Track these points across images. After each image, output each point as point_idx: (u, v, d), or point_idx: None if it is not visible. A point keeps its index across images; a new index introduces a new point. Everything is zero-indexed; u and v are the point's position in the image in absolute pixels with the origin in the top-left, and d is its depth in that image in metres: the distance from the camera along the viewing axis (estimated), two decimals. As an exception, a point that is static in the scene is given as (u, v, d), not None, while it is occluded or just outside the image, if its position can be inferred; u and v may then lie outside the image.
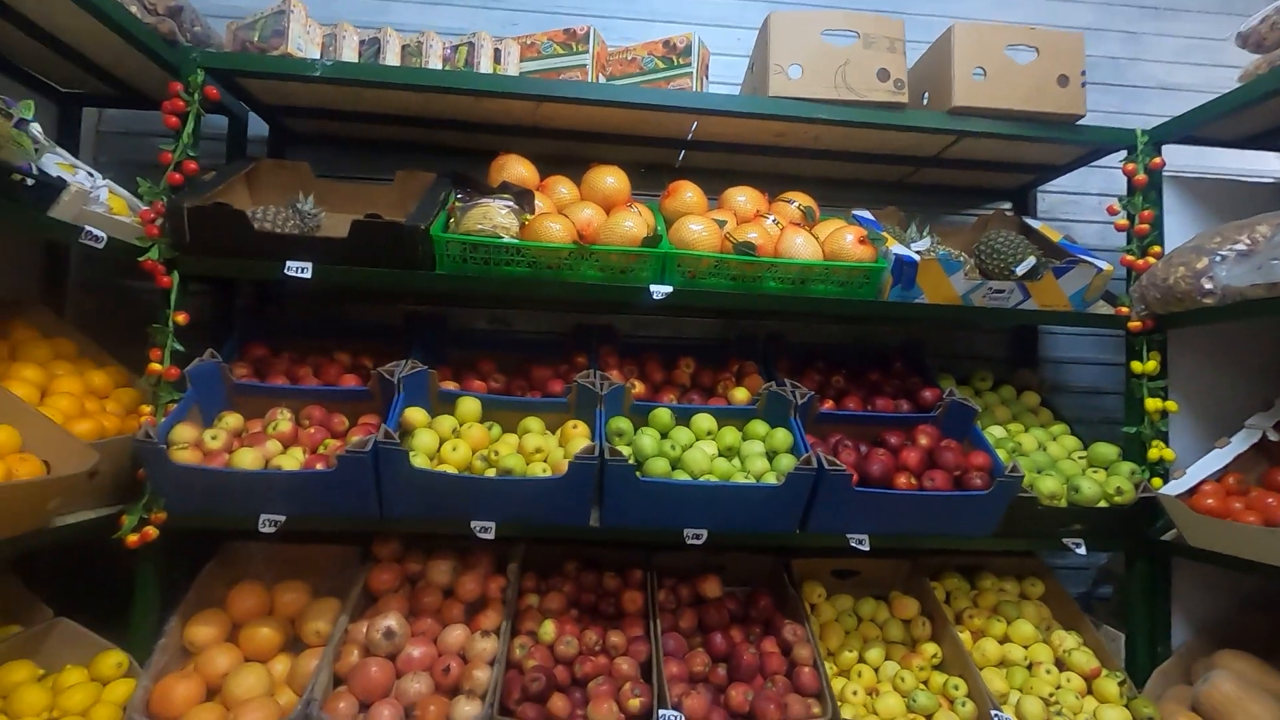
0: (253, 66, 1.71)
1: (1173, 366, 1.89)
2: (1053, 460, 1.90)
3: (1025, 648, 1.83)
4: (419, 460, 1.60)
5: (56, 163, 1.47)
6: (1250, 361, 1.94)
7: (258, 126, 2.14)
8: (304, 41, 1.76)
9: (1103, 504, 1.76)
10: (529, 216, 1.73)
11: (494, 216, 1.67)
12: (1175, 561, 1.87)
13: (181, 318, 1.65)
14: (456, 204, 1.74)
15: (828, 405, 1.96)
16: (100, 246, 1.47)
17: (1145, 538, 1.83)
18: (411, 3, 2.31)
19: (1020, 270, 1.85)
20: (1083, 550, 1.78)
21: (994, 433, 1.98)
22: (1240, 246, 1.61)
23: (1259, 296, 1.52)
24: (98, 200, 1.46)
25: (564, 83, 1.81)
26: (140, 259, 1.59)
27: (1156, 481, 1.79)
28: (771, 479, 1.70)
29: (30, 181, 1.25)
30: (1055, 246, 1.95)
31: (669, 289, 1.72)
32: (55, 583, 1.87)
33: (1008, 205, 2.45)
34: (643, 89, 1.86)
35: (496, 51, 1.85)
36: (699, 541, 1.69)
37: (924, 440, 1.81)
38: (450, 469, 1.64)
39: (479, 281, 1.71)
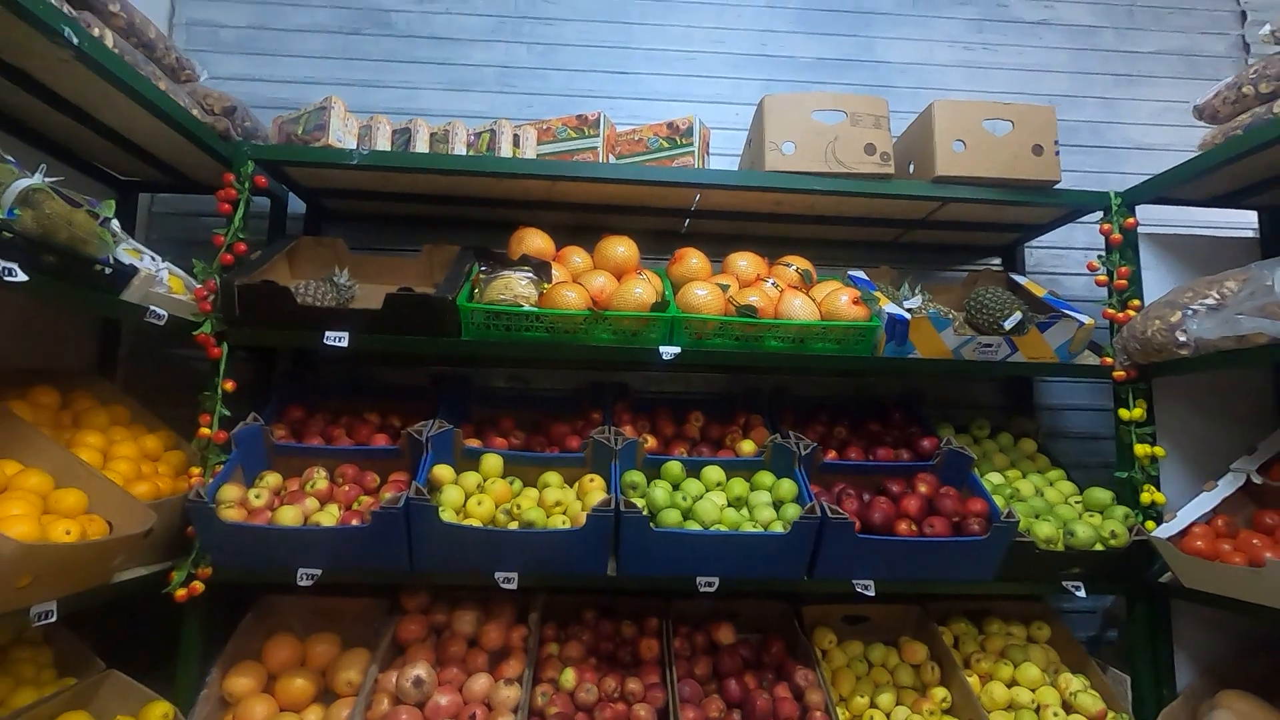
0: (298, 157, 1.90)
1: (1160, 413, 1.99)
2: (1049, 505, 1.98)
3: (1033, 691, 1.88)
4: (447, 515, 1.71)
5: (126, 249, 1.64)
6: (1234, 407, 2.04)
7: (296, 204, 2.34)
8: (343, 133, 1.95)
9: (1098, 547, 1.83)
10: (547, 285, 1.88)
11: (515, 287, 1.82)
12: (1176, 604, 1.92)
13: (230, 385, 1.79)
14: (480, 275, 1.90)
15: (831, 455, 2.05)
16: (162, 324, 1.63)
17: (1143, 580, 1.89)
18: (439, 90, 2.53)
19: (1008, 325, 1.97)
20: (1082, 593, 1.84)
21: (992, 479, 2.06)
22: (1210, 301, 1.72)
23: (1229, 348, 1.62)
24: (160, 282, 1.62)
25: (576, 163, 1.99)
26: (195, 333, 1.75)
27: (1150, 524, 1.86)
28: (778, 527, 1.79)
29: (108, 270, 1.42)
30: (1040, 301, 2.07)
31: (677, 350, 1.85)
32: (104, 635, 1.97)
33: (998, 261, 2.59)
34: (648, 167, 2.03)
35: (516, 136, 2.04)
36: (711, 589, 1.77)
37: (923, 488, 1.91)
38: (476, 523, 1.75)
39: (502, 346, 1.85)
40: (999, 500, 1.89)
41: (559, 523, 1.76)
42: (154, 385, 2.18)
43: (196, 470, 1.76)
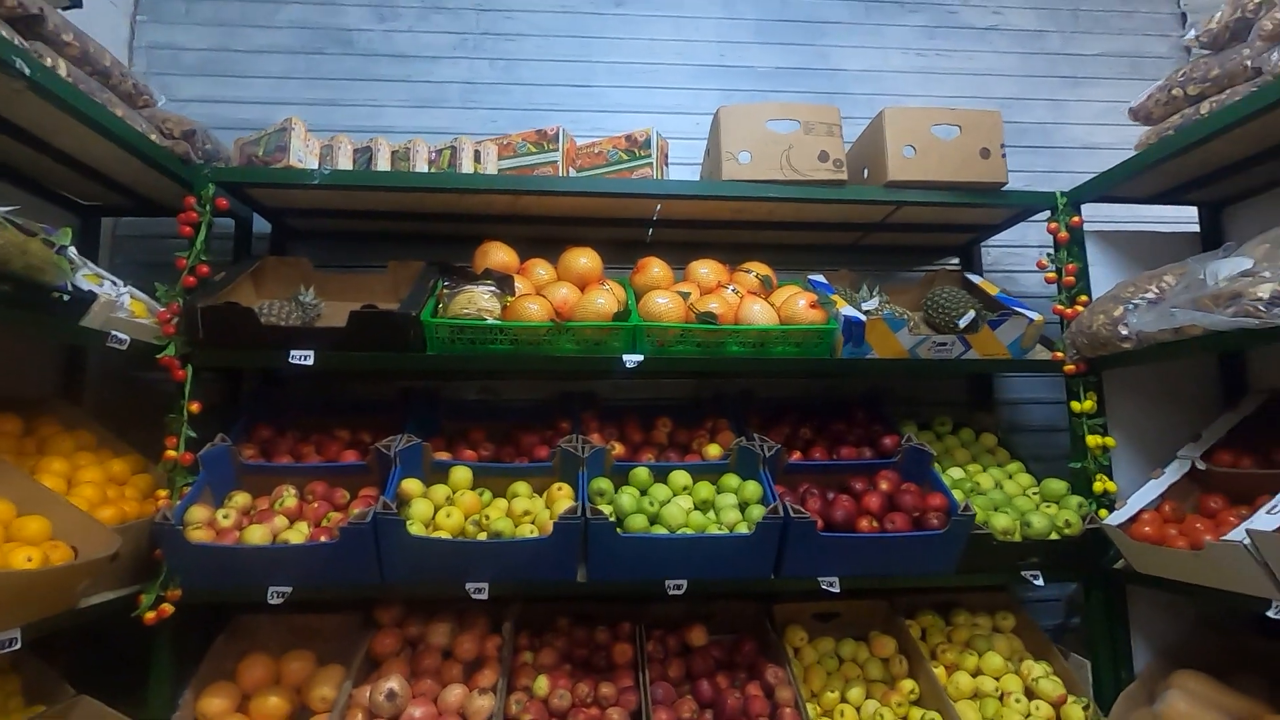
0: (259, 179, 1.92)
1: (1111, 404, 2.05)
2: (1008, 497, 2.04)
3: (996, 679, 1.93)
4: (415, 528, 1.73)
5: (85, 275, 1.64)
6: (1181, 396, 2.11)
7: (261, 225, 2.35)
8: (304, 154, 1.97)
9: (1054, 536, 1.89)
10: (510, 298, 1.91)
11: (478, 301, 1.85)
12: (1131, 589, 1.98)
13: (195, 407, 1.80)
14: (444, 291, 1.92)
15: (796, 456, 2.10)
16: (123, 348, 1.64)
17: (1099, 567, 1.95)
18: (402, 108, 2.56)
19: (962, 324, 2.03)
20: (1040, 581, 1.90)
21: (953, 474, 2.12)
22: (1150, 295, 1.79)
23: (1168, 340, 1.69)
24: (121, 307, 1.63)
25: (536, 178, 2.02)
26: (159, 356, 1.75)
27: (1103, 513, 1.92)
28: (744, 529, 1.83)
29: (66, 297, 1.43)
30: (993, 300, 2.13)
31: (640, 357, 1.88)
32: (74, 660, 1.96)
33: (956, 260, 2.65)
34: (607, 179, 2.07)
35: (477, 152, 2.07)
36: (679, 592, 1.81)
37: (884, 485, 1.95)
38: (445, 534, 1.77)
39: (468, 360, 1.88)
40: (958, 494, 1.94)
41: (527, 532, 1.79)
42: (123, 409, 2.17)
43: (163, 493, 1.77)
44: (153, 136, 1.79)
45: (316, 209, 2.19)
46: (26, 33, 1.46)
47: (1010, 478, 2.15)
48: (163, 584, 1.70)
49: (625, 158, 2.11)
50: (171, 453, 1.77)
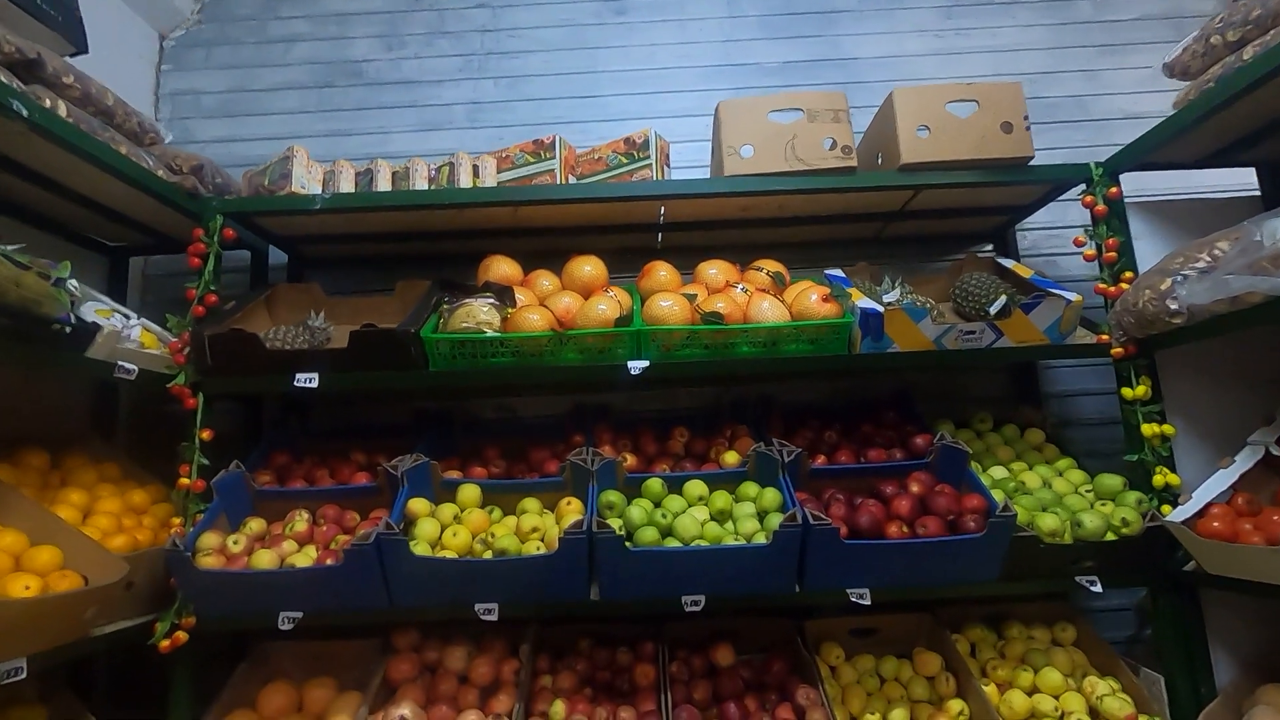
0: (262, 207, 1.95)
1: (1167, 389, 1.86)
2: (1058, 496, 1.87)
3: (1056, 698, 1.75)
4: (419, 548, 1.69)
5: (96, 309, 1.69)
6: (1248, 374, 1.89)
7: (278, 256, 2.40)
8: (307, 180, 2.00)
9: (1110, 537, 1.71)
10: (510, 310, 1.88)
11: (477, 314, 1.82)
12: (1207, 594, 1.78)
13: (207, 434, 1.82)
14: (445, 307, 1.90)
15: (820, 461, 1.98)
16: (132, 378, 1.66)
17: (1166, 570, 1.76)
18: (409, 132, 2.59)
19: (992, 310, 1.89)
20: (1098, 588, 1.72)
21: (994, 474, 1.96)
22: (1201, 264, 1.62)
23: (1224, 311, 1.52)
24: (129, 338, 1.67)
25: (532, 187, 1.99)
26: (169, 385, 1.78)
27: (1166, 509, 1.73)
28: (761, 539, 1.72)
29: (68, 330, 1.46)
30: (1027, 283, 1.97)
31: (645, 363, 1.81)
32: (107, 691, 2.00)
33: (990, 247, 2.49)
34: (604, 184, 2.02)
35: (475, 167, 2.06)
36: (697, 608, 1.71)
37: (916, 487, 1.81)
38: (451, 554, 1.72)
39: (470, 375, 1.84)
40: (999, 495, 1.78)
41: (534, 549, 1.73)
42: (154, 441, 2.22)
43: (177, 520, 1.78)
44: (160, 172, 1.84)
45: (325, 235, 2.21)
46: (26, 77, 1.52)
47: (1060, 475, 1.97)
48: (177, 612, 1.71)
49: (625, 161, 2.07)
50: (185, 480, 1.79)
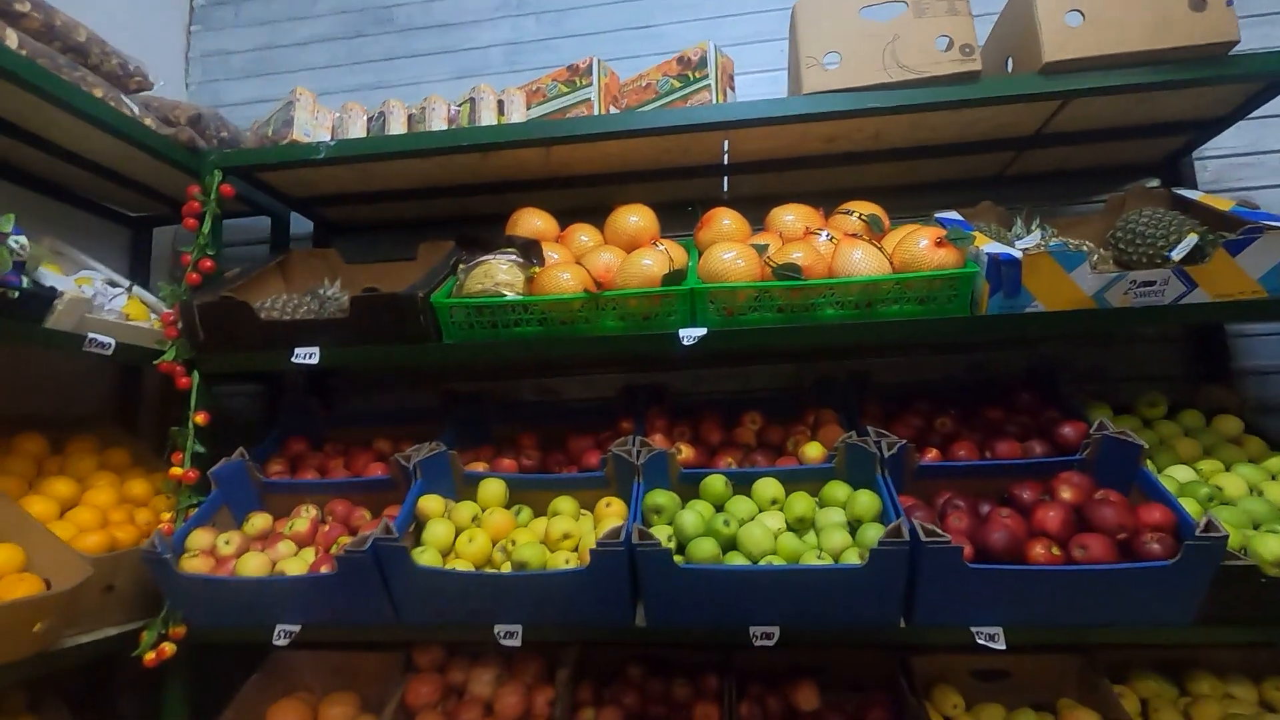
0: (262, 159, 1.71)
1: None
2: (1276, 510, 1.35)
3: (1278, 790, 1.25)
4: (425, 557, 1.39)
5: (77, 278, 1.49)
6: None
7: (304, 225, 2.18)
8: (311, 127, 1.74)
9: (1369, 570, 1.19)
10: (537, 269, 1.54)
11: (495, 274, 1.50)
12: None
13: (201, 418, 1.60)
14: (462, 267, 1.59)
15: (931, 455, 1.54)
16: (108, 353, 1.45)
17: None
18: (446, 80, 2.30)
19: (1177, 254, 1.38)
20: (1349, 641, 1.20)
21: (1176, 475, 1.46)
22: None
23: None
24: (104, 307, 1.45)
25: (565, 120, 1.64)
26: (157, 362, 1.57)
27: None
28: (853, 557, 1.31)
29: (14, 294, 1.24)
30: (1225, 217, 1.45)
31: (702, 331, 1.44)
32: (112, 703, 1.85)
33: (1156, 182, 1.94)
34: (650, 112, 1.63)
35: (500, 103, 1.73)
36: (770, 642, 1.33)
37: (1067, 493, 1.35)
38: (465, 564, 1.42)
39: (491, 347, 1.52)
40: (1189, 505, 1.29)
41: (563, 561, 1.40)
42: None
43: (168, 515, 1.57)
44: (147, 121, 1.62)
45: (342, 194, 1.95)
46: (-32, 3, 1.31)
47: (1273, 479, 1.44)
48: (164, 620, 1.50)
49: (678, 84, 1.68)
50: (176, 469, 1.58)
